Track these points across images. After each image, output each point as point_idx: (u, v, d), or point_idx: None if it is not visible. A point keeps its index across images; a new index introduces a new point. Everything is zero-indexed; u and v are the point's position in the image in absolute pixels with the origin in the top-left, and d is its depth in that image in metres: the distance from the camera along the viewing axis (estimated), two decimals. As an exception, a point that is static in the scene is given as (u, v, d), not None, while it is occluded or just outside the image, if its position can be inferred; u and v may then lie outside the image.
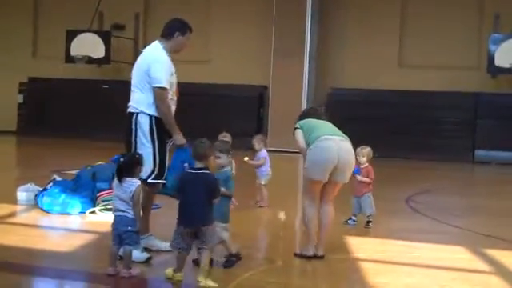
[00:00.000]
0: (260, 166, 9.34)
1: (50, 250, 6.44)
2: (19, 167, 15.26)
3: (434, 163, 18.79)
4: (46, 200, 8.20)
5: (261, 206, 9.33)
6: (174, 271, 5.36)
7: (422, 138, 20.17)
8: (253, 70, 21.94)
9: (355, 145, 8.04)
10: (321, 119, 6.69)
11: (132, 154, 5.81)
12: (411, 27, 21.40)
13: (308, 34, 20.75)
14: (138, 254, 5.81)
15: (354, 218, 8.19)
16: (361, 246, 7.04)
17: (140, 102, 6.15)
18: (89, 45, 22.66)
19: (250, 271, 5.74)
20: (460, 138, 20.18)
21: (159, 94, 6.08)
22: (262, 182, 9.37)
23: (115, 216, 5.52)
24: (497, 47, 19.63)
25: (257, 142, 9.40)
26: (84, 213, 8.06)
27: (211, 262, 5.48)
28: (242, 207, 7.55)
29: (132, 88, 6.25)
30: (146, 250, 6.07)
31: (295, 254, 6.07)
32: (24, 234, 7.06)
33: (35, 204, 8.39)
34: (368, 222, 8.07)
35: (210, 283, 5.18)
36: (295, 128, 6.55)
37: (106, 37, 22.99)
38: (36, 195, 8.48)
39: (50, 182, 8.67)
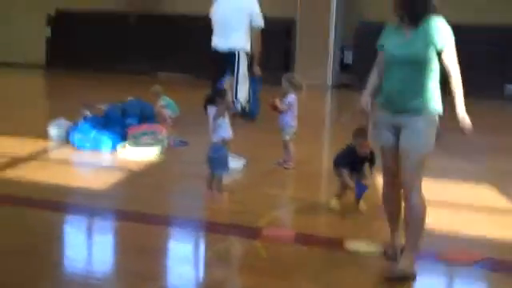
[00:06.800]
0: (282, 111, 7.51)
1: (81, 187, 6.60)
2: (50, 100, 15.37)
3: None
4: (77, 136, 8.33)
5: (286, 168, 7.59)
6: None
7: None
8: (280, 2, 21.64)
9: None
10: None
11: (218, 88, 6.63)
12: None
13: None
14: (234, 164, 6.89)
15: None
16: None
17: (241, 41, 7.29)
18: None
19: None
20: (490, 72, 19.85)
21: (259, 33, 7.53)
22: (287, 138, 7.57)
23: None
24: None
25: (284, 81, 7.59)
26: (115, 149, 8.18)
27: None
28: (265, 169, 7.56)
29: (226, 28, 7.29)
30: None
31: None
32: (56, 171, 7.22)
33: (67, 140, 8.51)
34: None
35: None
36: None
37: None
38: (67, 131, 8.63)
39: (82, 118, 8.79)
